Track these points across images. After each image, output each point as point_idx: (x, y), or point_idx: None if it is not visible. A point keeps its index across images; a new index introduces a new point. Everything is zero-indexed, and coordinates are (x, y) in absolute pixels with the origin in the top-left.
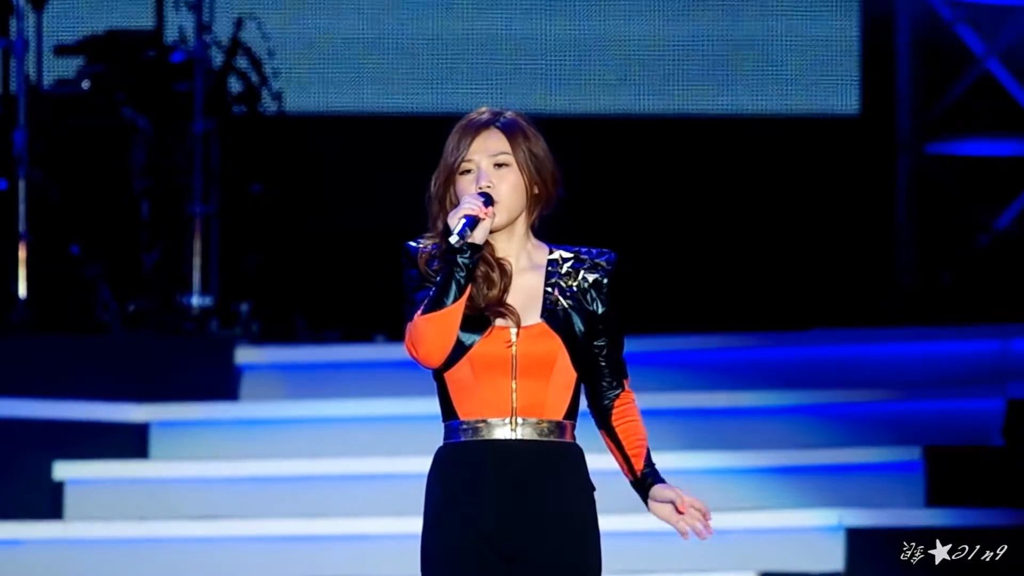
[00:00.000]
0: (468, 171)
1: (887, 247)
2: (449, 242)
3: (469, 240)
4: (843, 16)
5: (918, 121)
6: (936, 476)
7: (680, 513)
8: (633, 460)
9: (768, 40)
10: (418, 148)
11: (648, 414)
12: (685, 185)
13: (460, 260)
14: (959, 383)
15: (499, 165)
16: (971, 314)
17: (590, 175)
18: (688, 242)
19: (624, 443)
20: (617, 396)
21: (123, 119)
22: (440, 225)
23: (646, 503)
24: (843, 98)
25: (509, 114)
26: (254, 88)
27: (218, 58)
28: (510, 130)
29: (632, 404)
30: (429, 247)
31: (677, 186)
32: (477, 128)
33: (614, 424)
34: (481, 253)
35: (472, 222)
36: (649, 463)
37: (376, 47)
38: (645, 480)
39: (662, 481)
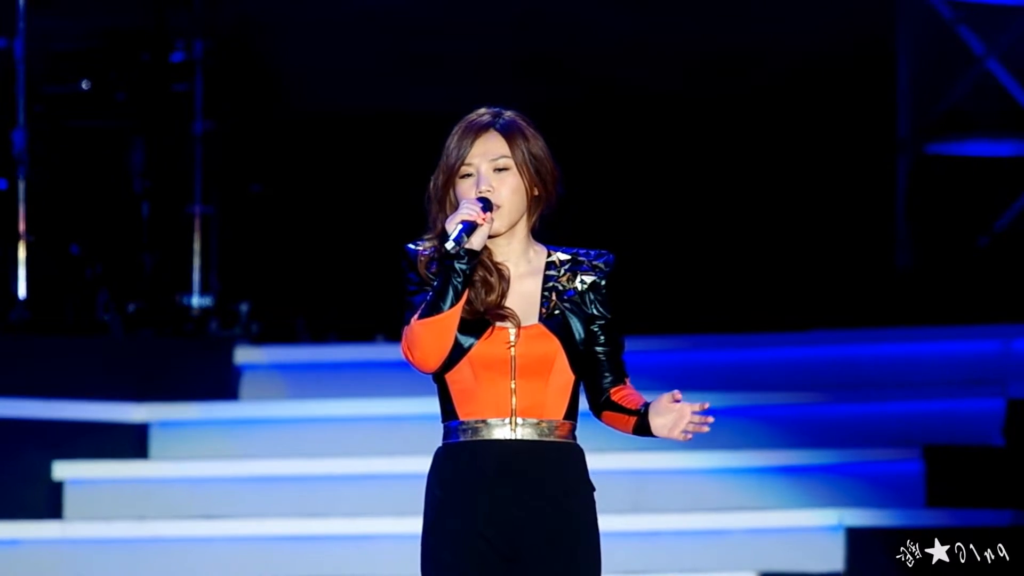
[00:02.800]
0: (468, 175)
1: (887, 247)
2: (446, 248)
3: (467, 246)
4: (843, 16)
5: (918, 121)
6: (936, 476)
7: (677, 401)
8: (631, 407)
9: (768, 40)
10: (419, 147)
11: None
12: (683, 185)
13: (457, 266)
14: (959, 383)
15: (498, 169)
16: (971, 314)
17: (584, 172)
18: (687, 243)
19: (622, 403)
20: (616, 387)
21: (123, 119)
22: (439, 227)
23: (650, 431)
24: (842, 98)
25: (508, 115)
26: (254, 88)
27: (218, 58)
28: (509, 132)
29: (633, 390)
30: (428, 249)
31: (675, 186)
32: (477, 130)
33: (613, 398)
34: (479, 258)
35: (469, 228)
36: (647, 403)
37: (377, 47)
38: (644, 412)
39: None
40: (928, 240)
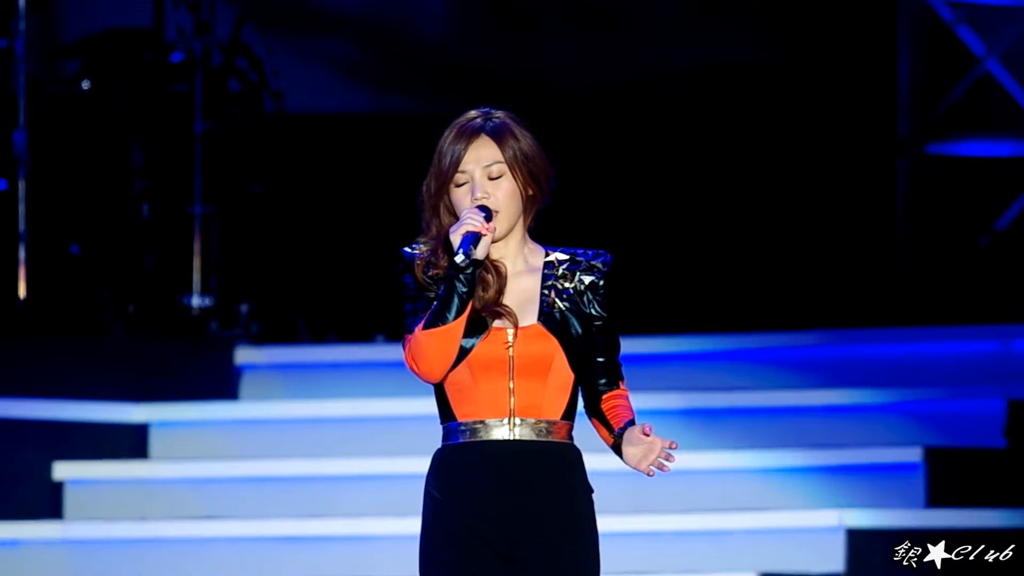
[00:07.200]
0: (463, 183)
1: (887, 247)
2: (454, 261)
3: (473, 257)
4: (843, 16)
5: (918, 121)
6: (937, 477)
7: (646, 435)
8: (614, 425)
9: (768, 39)
10: (418, 148)
11: (648, 415)
12: (683, 186)
13: (463, 276)
14: (959, 383)
15: (493, 176)
16: (971, 314)
17: (585, 173)
18: (687, 243)
19: (608, 415)
20: (611, 390)
21: (123, 119)
22: (433, 230)
23: (621, 456)
24: (842, 98)
25: (498, 116)
26: (254, 88)
27: (218, 58)
28: (499, 135)
29: (625, 397)
30: (425, 253)
31: (675, 186)
32: (469, 135)
33: (603, 407)
34: (482, 266)
35: (474, 239)
36: (629, 424)
37: (375, 47)
38: (621, 435)
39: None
40: (928, 240)
